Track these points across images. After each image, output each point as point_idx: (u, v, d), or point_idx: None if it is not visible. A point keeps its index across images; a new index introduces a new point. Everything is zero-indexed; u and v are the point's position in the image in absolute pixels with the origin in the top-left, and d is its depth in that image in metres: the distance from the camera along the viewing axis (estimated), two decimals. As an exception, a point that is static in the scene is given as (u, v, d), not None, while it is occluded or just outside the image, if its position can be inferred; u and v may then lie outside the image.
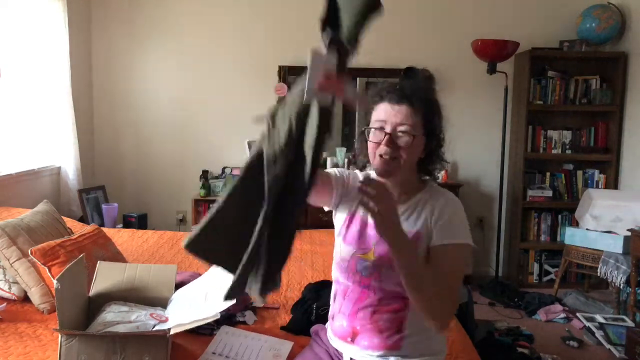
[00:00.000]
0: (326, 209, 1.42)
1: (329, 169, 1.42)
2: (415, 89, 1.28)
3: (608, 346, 2.91)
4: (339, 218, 1.41)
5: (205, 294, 1.58)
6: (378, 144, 1.26)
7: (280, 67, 4.09)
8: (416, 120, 1.25)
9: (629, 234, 3.10)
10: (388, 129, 1.25)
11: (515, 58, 3.93)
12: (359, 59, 4.39)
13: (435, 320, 1.20)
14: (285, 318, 1.90)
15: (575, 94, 3.99)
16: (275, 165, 1.02)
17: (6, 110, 3.11)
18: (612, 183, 3.93)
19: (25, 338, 1.68)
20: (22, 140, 3.28)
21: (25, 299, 2.01)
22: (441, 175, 3.94)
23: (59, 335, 1.33)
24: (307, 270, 2.46)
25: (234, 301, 1.46)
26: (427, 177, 1.37)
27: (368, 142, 1.30)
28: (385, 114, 1.26)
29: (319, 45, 1.04)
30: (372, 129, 1.29)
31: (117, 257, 2.24)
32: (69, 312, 1.39)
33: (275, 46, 4.11)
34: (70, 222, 2.71)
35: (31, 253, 1.90)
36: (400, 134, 1.25)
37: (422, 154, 1.31)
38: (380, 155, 1.26)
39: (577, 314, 3.30)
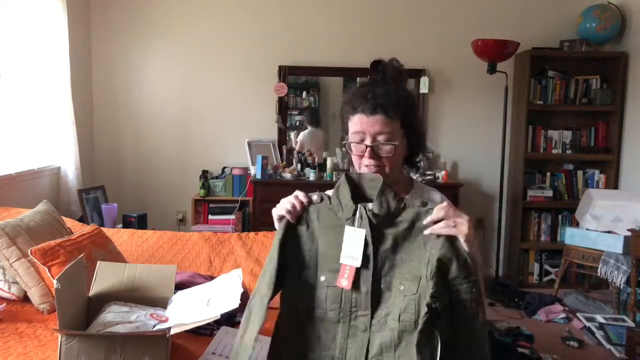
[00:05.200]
0: None
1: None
2: (387, 94, 1.24)
3: (608, 346, 2.91)
4: None
5: (207, 300, 1.58)
6: (361, 155, 1.26)
7: (280, 67, 4.09)
8: (394, 126, 1.24)
9: (629, 234, 3.10)
10: (368, 141, 1.24)
11: (515, 58, 3.93)
12: (359, 59, 4.36)
13: None
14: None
15: (576, 94, 3.99)
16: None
17: (6, 110, 3.11)
18: (612, 183, 3.93)
19: (25, 338, 1.68)
20: (22, 140, 3.28)
21: (25, 299, 2.01)
22: (441, 175, 3.95)
23: (59, 336, 1.33)
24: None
25: (236, 305, 1.46)
26: (414, 175, 1.38)
27: (351, 153, 1.31)
28: (362, 125, 1.24)
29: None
30: (353, 142, 1.28)
31: (117, 257, 2.24)
32: (68, 312, 1.39)
33: (275, 46, 4.11)
34: (70, 222, 2.71)
35: (31, 253, 1.90)
36: (381, 145, 1.24)
37: (406, 153, 1.31)
38: (366, 165, 1.27)
39: (577, 314, 3.30)
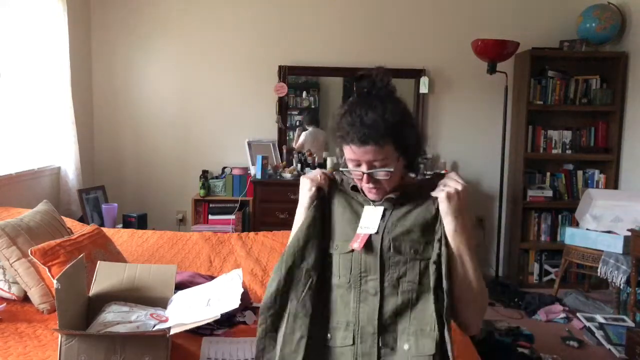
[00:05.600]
0: None
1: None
2: (375, 122, 1.19)
3: (608, 346, 2.91)
4: None
5: (207, 300, 1.58)
6: (360, 178, 1.26)
7: (280, 67, 4.09)
8: (387, 151, 1.21)
9: (629, 234, 3.10)
10: (364, 168, 1.23)
11: (515, 58, 3.93)
12: (359, 59, 4.36)
13: (474, 321, 1.27)
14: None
15: (575, 94, 3.99)
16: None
17: (6, 110, 3.11)
18: (612, 183, 3.93)
19: (25, 338, 1.68)
20: (22, 140, 3.28)
21: (25, 299, 2.01)
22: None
23: (59, 335, 1.33)
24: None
25: (236, 305, 1.46)
26: (416, 174, 1.37)
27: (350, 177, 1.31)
28: (355, 155, 1.23)
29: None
30: (350, 166, 1.26)
31: (117, 257, 2.24)
32: (68, 312, 1.39)
33: (275, 46, 4.11)
34: (70, 222, 2.71)
35: (31, 253, 1.90)
36: (377, 170, 1.22)
37: (405, 162, 1.29)
38: (367, 187, 1.27)
39: (577, 314, 3.30)
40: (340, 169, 1.32)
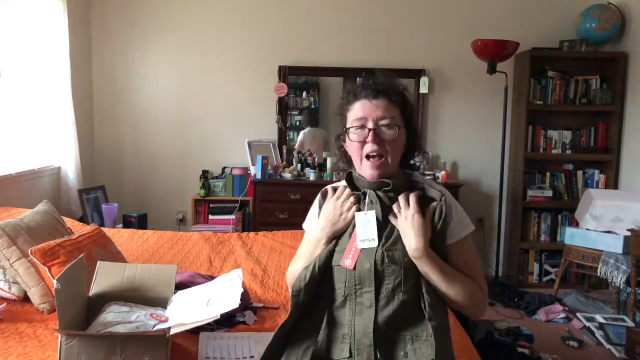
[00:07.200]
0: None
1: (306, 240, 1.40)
2: (390, 82, 1.26)
3: (608, 346, 2.91)
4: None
5: (207, 300, 1.58)
6: (362, 142, 1.23)
7: (280, 67, 4.09)
8: (395, 112, 1.24)
9: (629, 234, 3.10)
10: (370, 125, 1.22)
11: (515, 58, 3.94)
12: (359, 59, 4.35)
13: (474, 311, 1.26)
14: (285, 318, 1.89)
15: (575, 94, 3.99)
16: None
17: (6, 110, 3.11)
18: (612, 183, 3.93)
19: (25, 338, 1.68)
20: (22, 140, 3.28)
21: (25, 299, 2.01)
22: (441, 175, 3.95)
23: (59, 336, 1.33)
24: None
25: (236, 305, 1.46)
26: (412, 172, 1.33)
27: (350, 142, 1.27)
28: (364, 111, 1.22)
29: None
30: (353, 128, 1.25)
31: (117, 257, 2.24)
32: (69, 312, 1.39)
33: (275, 46, 4.11)
34: (70, 222, 2.71)
35: (31, 253, 1.90)
36: (384, 128, 1.22)
37: (404, 149, 1.28)
38: (367, 156, 1.23)
39: (577, 314, 3.30)
40: (344, 129, 1.29)
